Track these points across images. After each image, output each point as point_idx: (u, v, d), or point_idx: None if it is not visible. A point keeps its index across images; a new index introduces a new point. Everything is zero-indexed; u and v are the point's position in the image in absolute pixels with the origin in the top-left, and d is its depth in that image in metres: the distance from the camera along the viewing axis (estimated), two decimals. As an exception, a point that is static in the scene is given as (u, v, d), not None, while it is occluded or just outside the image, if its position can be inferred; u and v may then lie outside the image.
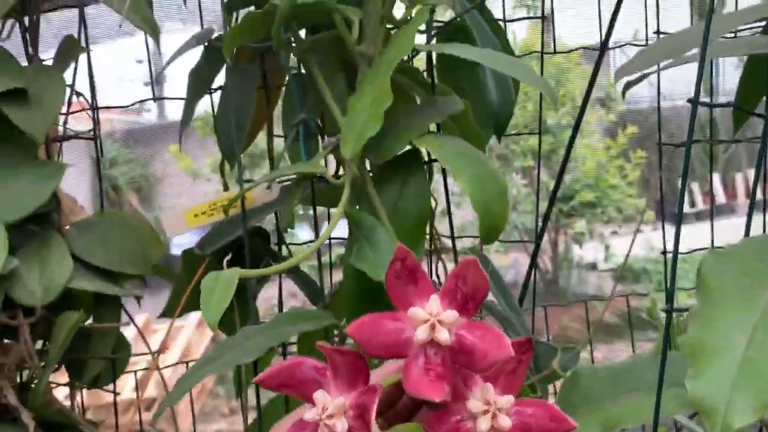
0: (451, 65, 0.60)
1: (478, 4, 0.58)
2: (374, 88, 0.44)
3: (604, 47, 0.73)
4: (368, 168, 0.49)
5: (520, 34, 4.13)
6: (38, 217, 0.51)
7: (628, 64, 0.39)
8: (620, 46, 0.79)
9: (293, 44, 0.52)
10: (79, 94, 0.58)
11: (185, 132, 0.64)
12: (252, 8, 0.61)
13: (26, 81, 0.49)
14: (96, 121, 0.58)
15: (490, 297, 0.64)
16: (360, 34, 0.47)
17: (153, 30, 0.48)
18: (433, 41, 0.59)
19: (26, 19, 0.54)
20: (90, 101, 0.58)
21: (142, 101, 0.66)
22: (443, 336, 0.25)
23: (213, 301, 0.33)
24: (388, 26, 0.49)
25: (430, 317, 0.25)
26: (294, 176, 0.50)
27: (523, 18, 0.78)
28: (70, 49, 0.52)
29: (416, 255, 0.46)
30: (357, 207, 0.47)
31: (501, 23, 0.63)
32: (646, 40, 0.74)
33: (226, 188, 0.60)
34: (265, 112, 0.66)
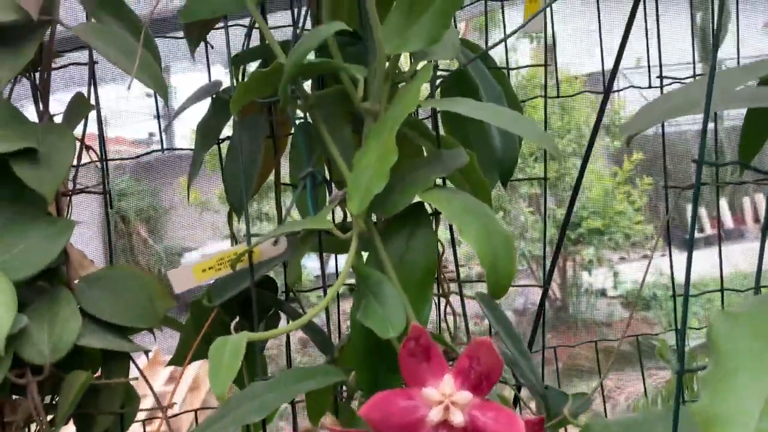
0: (455, 114, 0.60)
1: (482, 54, 0.58)
2: (380, 144, 0.44)
3: (611, 82, 0.73)
4: (374, 219, 0.49)
5: (524, 63, 4.16)
6: (47, 272, 0.52)
7: (632, 121, 0.39)
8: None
9: (299, 97, 0.53)
10: (88, 148, 0.59)
11: (176, 147, 0.65)
12: (258, 62, 0.62)
13: (37, 140, 0.49)
14: (105, 174, 0.59)
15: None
16: (365, 91, 0.48)
17: (161, 89, 0.49)
18: (437, 90, 0.60)
19: (37, 75, 0.55)
20: (99, 155, 0.59)
21: (150, 152, 0.66)
22: (457, 418, 0.25)
23: (221, 369, 0.33)
24: (393, 81, 0.49)
25: (444, 398, 0.25)
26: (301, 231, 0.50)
27: (527, 66, 0.79)
28: (80, 106, 0.53)
29: (424, 308, 0.46)
30: (364, 259, 0.47)
31: (504, 69, 0.64)
32: (648, 68, 0.74)
33: (234, 241, 0.61)
34: (272, 160, 0.67)
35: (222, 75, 0.68)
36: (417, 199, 0.48)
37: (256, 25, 0.60)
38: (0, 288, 0.45)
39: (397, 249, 0.47)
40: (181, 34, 0.60)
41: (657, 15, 0.78)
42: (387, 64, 0.47)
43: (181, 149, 0.66)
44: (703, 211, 5.41)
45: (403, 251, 0.47)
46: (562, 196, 4.24)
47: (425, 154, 0.57)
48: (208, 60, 0.65)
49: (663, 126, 0.49)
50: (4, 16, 0.47)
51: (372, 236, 0.47)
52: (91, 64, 0.54)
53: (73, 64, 0.57)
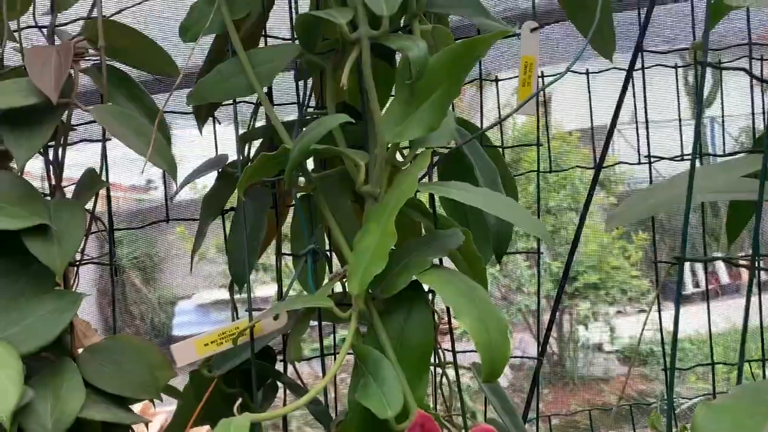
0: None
1: (477, 135, 0.61)
2: (379, 227, 0.46)
3: (603, 152, 0.76)
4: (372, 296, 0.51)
5: (519, 119, 4.25)
6: (53, 342, 0.53)
7: (617, 214, 0.41)
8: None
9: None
10: (97, 219, 0.61)
11: (189, 210, 0.66)
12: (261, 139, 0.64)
13: (49, 216, 0.51)
14: (112, 243, 0.61)
15: (496, 416, 0.65)
16: (367, 174, 0.50)
17: (172, 170, 0.52)
18: (434, 169, 0.62)
19: (50, 152, 0.58)
20: (107, 225, 0.61)
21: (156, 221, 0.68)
22: None
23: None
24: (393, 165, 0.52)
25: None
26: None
27: (520, 144, 0.81)
28: (92, 183, 0.55)
29: (421, 386, 0.47)
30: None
31: (499, 148, 0.66)
32: (636, 125, 0.77)
33: (235, 312, 0.62)
34: (274, 230, 0.68)
35: (223, 133, 0.71)
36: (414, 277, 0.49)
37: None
38: (8, 362, 0.46)
39: (395, 328, 0.48)
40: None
41: (644, 79, 0.81)
42: (387, 149, 0.49)
43: (186, 219, 0.68)
44: (699, 267, 5.42)
45: (401, 330, 0.48)
46: (558, 250, 4.26)
47: (423, 230, 0.59)
48: (215, 134, 0.68)
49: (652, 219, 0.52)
50: (24, 100, 0.50)
51: (371, 315, 0.49)
52: (104, 142, 0.57)
53: (85, 140, 0.59)
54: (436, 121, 0.47)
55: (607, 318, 4.41)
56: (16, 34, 0.58)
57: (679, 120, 0.83)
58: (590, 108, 0.74)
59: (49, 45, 0.56)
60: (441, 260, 0.51)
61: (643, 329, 0.59)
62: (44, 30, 0.59)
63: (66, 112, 0.53)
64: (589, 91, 0.75)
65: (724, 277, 5.38)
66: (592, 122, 0.74)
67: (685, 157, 0.73)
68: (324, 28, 0.54)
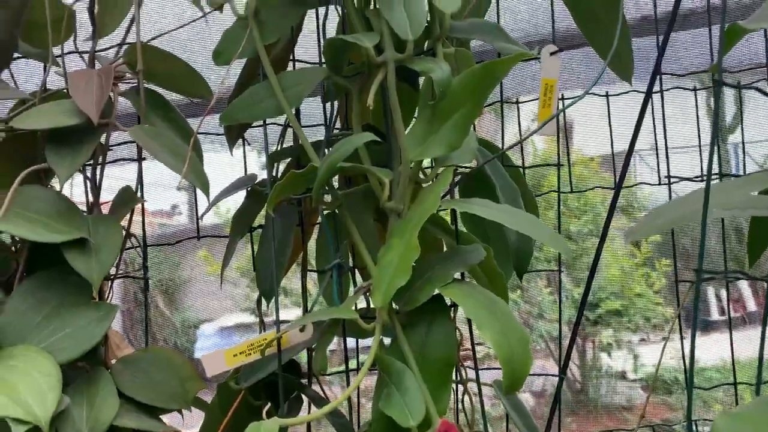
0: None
1: (498, 154, 0.63)
2: (402, 242, 0.48)
3: (622, 176, 0.77)
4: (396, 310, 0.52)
5: (539, 144, 4.26)
6: (88, 352, 0.55)
7: (635, 228, 0.42)
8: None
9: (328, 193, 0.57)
10: (131, 235, 0.63)
11: (214, 234, 0.69)
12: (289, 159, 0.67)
13: (88, 230, 0.54)
14: (145, 259, 0.63)
15: (516, 432, 0.65)
16: (390, 191, 0.52)
17: (205, 187, 0.54)
18: (456, 188, 0.64)
19: (89, 170, 0.60)
20: (141, 243, 0.63)
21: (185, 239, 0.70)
22: None
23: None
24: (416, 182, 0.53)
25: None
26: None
27: (541, 164, 0.82)
28: (128, 200, 0.58)
29: (443, 397, 0.48)
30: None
31: (521, 169, 0.68)
32: (656, 148, 0.78)
33: (262, 327, 0.64)
34: (300, 246, 0.70)
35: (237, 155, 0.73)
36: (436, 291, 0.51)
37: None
38: (47, 370, 0.48)
39: (418, 340, 0.50)
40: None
41: (662, 101, 0.82)
42: (410, 166, 0.51)
43: (216, 235, 0.70)
44: (724, 293, 5.33)
45: (424, 342, 0.50)
46: (579, 276, 4.22)
47: (445, 246, 0.60)
48: (245, 155, 0.71)
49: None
50: (67, 120, 0.53)
51: (394, 327, 0.50)
52: (140, 161, 0.59)
53: (121, 160, 0.62)
54: (458, 141, 0.49)
55: (631, 346, 4.35)
56: (59, 59, 0.62)
57: (699, 143, 0.84)
58: (610, 130, 0.75)
59: (91, 69, 0.59)
60: (463, 276, 0.53)
61: (661, 355, 0.59)
62: (85, 55, 0.62)
63: (105, 132, 0.56)
64: (609, 114, 0.77)
65: (751, 305, 5.29)
66: (612, 144, 0.76)
67: (705, 178, 0.73)
68: (350, 52, 0.56)
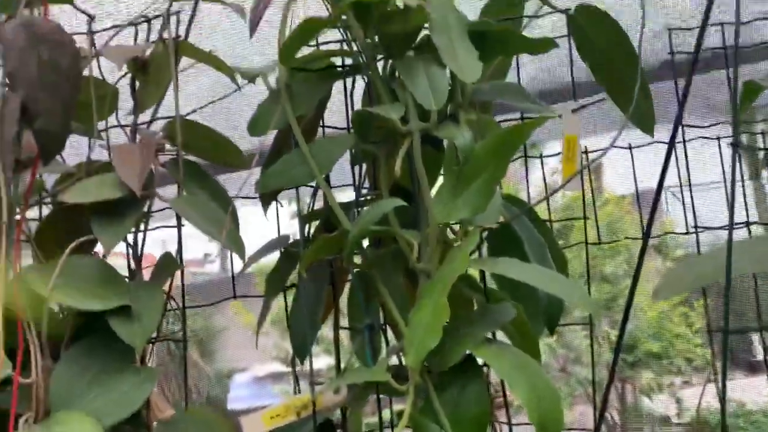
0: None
1: (524, 210, 0.64)
2: (432, 302, 0.49)
3: (650, 223, 0.77)
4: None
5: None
6: (130, 416, 0.57)
7: (663, 286, 0.43)
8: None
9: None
10: (171, 298, 0.65)
11: (241, 282, 0.71)
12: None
13: (130, 297, 0.56)
14: (184, 323, 0.65)
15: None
16: (419, 252, 0.53)
17: (241, 252, 0.56)
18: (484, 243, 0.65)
19: (131, 238, 0.63)
20: (179, 303, 0.66)
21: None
22: None
23: None
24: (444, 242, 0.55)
25: None
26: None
27: (569, 219, 0.83)
28: (168, 266, 0.60)
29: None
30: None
31: (547, 223, 0.69)
32: (681, 193, 0.78)
33: (297, 389, 0.65)
34: (331, 304, 0.72)
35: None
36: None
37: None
38: (93, 435, 0.50)
39: (450, 400, 0.50)
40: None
41: (685, 152, 0.82)
42: (438, 228, 0.53)
43: (252, 296, 0.72)
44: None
45: (457, 402, 0.50)
46: (616, 318, 4.14)
47: (475, 305, 0.61)
48: (278, 216, 0.73)
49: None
50: (112, 193, 0.56)
51: (427, 387, 0.51)
52: (179, 227, 0.62)
53: (162, 226, 0.65)
54: (483, 204, 0.51)
55: (673, 389, 4.22)
56: (102, 133, 0.65)
57: (725, 188, 0.84)
58: (635, 181, 0.76)
59: (133, 143, 0.63)
60: (494, 334, 0.54)
61: (700, 400, 0.58)
62: (127, 129, 0.66)
63: (147, 202, 0.59)
64: (633, 165, 0.78)
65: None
66: (637, 194, 0.77)
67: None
68: (377, 120, 0.59)
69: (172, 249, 0.65)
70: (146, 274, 0.63)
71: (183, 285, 0.65)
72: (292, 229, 0.74)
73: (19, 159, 0.45)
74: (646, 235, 0.72)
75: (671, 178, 0.81)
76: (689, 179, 0.75)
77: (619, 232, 3.95)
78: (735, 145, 0.40)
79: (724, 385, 0.40)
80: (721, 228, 0.73)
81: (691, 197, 0.76)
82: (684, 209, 0.77)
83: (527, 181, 0.74)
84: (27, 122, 0.43)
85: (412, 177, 0.61)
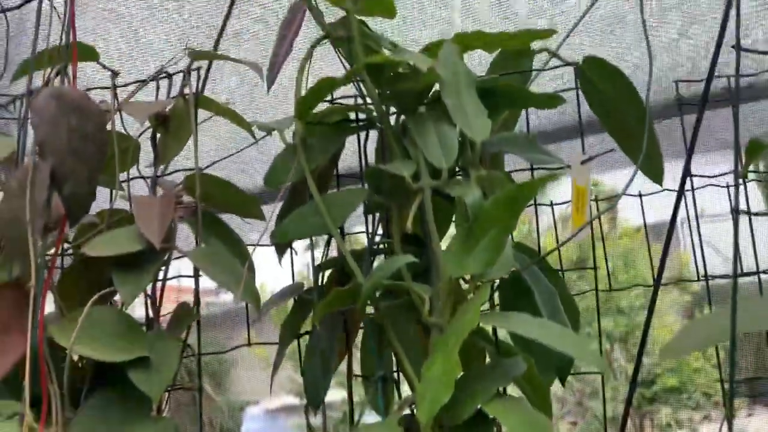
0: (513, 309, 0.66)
1: (535, 261, 0.65)
2: (444, 357, 0.50)
3: (670, 232, 0.77)
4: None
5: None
6: (147, 465, 0.57)
7: (672, 347, 0.44)
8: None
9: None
10: (187, 346, 0.67)
11: (265, 342, 0.72)
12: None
13: (148, 348, 0.57)
14: (200, 370, 0.66)
15: None
16: (431, 306, 0.54)
17: (257, 304, 0.57)
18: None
19: (148, 288, 0.65)
20: (196, 351, 0.67)
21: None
22: None
23: None
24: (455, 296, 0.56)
25: None
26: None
27: (580, 268, 0.83)
28: (185, 317, 0.61)
29: None
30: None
31: (559, 272, 0.70)
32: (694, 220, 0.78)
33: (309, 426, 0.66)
34: (344, 351, 0.73)
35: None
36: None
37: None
38: (111, 487, 0.51)
39: (462, 455, 0.51)
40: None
41: (694, 200, 0.83)
42: (449, 282, 0.54)
43: (264, 343, 0.73)
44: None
45: (469, 457, 0.51)
46: (633, 351, 4.09)
47: (487, 355, 0.62)
48: (292, 264, 0.74)
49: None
50: (132, 246, 0.58)
51: (439, 441, 0.51)
52: (197, 277, 0.64)
53: (179, 276, 0.66)
54: (493, 258, 0.52)
55: (692, 425, 4.14)
56: (124, 184, 0.67)
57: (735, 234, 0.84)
58: (645, 229, 0.77)
59: (153, 196, 0.65)
60: (505, 389, 0.54)
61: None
62: (148, 180, 0.68)
63: (167, 255, 0.61)
64: (644, 213, 0.79)
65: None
66: (648, 241, 0.77)
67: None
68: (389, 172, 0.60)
69: (183, 270, 0.66)
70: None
71: (199, 338, 0.67)
72: (304, 265, 0.75)
73: (48, 223, 0.47)
74: (657, 282, 0.73)
75: (688, 209, 0.81)
76: (698, 227, 0.76)
77: (635, 264, 3.92)
78: (736, 211, 0.41)
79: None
80: (726, 276, 0.73)
81: (701, 243, 0.77)
82: (693, 253, 0.77)
83: (537, 229, 0.75)
84: (56, 187, 0.46)
85: (424, 227, 0.63)
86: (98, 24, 0.89)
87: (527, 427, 0.47)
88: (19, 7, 0.59)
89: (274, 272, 0.77)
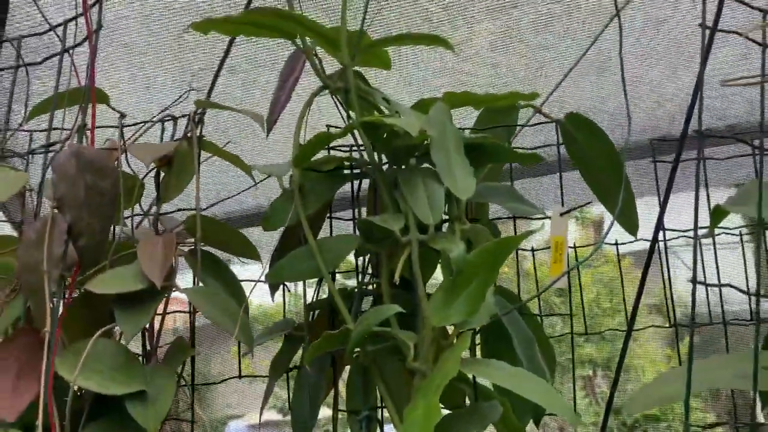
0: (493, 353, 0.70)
1: (515, 306, 0.69)
2: (426, 402, 0.53)
3: (643, 280, 0.80)
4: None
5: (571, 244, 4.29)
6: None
7: (633, 402, 0.47)
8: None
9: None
10: (180, 378, 0.69)
11: (253, 374, 0.74)
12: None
13: (146, 381, 0.60)
14: (192, 402, 0.69)
15: None
16: (416, 352, 0.58)
17: (249, 342, 0.61)
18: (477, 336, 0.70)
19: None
20: (188, 381, 0.70)
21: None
22: None
23: None
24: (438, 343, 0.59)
25: None
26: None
27: (554, 314, 0.86)
28: (181, 352, 0.65)
29: None
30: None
31: (539, 317, 0.74)
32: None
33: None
34: (330, 386, 0.76)
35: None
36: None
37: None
38: None
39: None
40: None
41: (667, 258, 0.88)
42: (433, 330, 0.58)
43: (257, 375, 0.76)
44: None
45: (446, 496, 0.54)
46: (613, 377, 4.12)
47: (467, 398, 0.65)
48: (284, 298, 0.78)
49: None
50: (134, 285, 0.61)
51: (419, 480, 0.55)
52: (192, 314, 0.67)
53: (175, 311, 0.69)
54: (475, 308, 0.55)
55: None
56: (127, 221, 0.71)
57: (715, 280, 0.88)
58: (621, 282, 0.81)
59: (155, 234, 0.68)
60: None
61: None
62: (150, 217, 0.72)
63: (167, 293, 0.64)
64: (619, 261, 0.83)
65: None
66: (623, 284, 0.81)
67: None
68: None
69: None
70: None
71: (193, 367, 0.70)
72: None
73: (63, 273, 0.50)
74: (629, 327, 0.77)
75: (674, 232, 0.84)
76: (671, 283, 0.80)
77: (620, 292, 3.97)
78: (693, 287, 0.44)
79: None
80: (708, 324, 0.78)
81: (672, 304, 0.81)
82: (665, 292, 0.81)
83: (518, 274, 0.79)
84: (72, 239, 0.49)
85: (411, 273, 0.66)
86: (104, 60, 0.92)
87: (500, 471, 0.50)
88: (41, 62, 0.62)
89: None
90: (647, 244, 0.88)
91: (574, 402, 0.84)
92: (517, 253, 0.79)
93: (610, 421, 4.02)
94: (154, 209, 0.71)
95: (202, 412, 5.60)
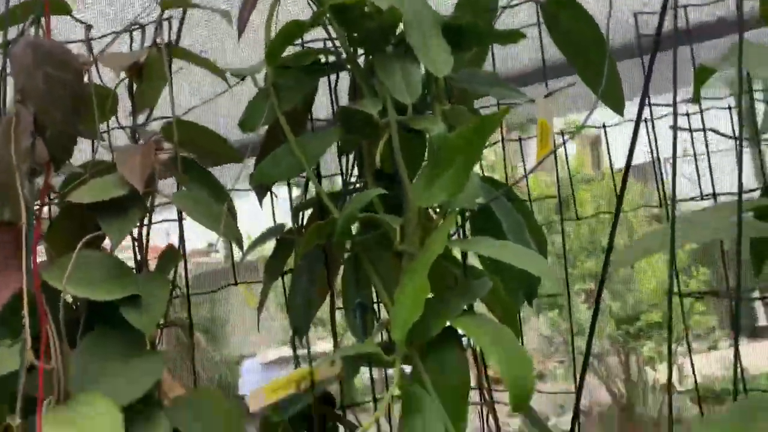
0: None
1: (502, 191, 0.68)
2: (414, 281, 0.54)
3: (629, 160, 0.80)
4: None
5: (570, 155, 4.28)
6: (145, 395, 0.61)
7: (625, 254, 0.48)
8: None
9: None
10: (176, 287, 0.70)
11: (253, 274, 0.76)
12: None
13: (139, 288, 0.61)
14: (189, 309, 0.70)
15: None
16: (402, 235, 0.58)
17: (239, 242, 0.61)
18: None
19: (136, 232, 0.68)
20: (183, 290, 0.70)
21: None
22: None
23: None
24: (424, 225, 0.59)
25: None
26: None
27: (544, 197, 0.87)
28: (172, 257, 0.65)
29: (461, 420, 0.54)
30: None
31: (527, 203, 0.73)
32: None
33: (297, 361, 0.70)
34: (326, 286, 0.77)
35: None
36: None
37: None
38: (111, 413, 0.55)
39: (434, 368, 0.55)
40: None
41: (653, 128, 0.87)
42: (418, 213, 0.57)
43: (252, 281, 0.77)
44: (769, 298, 5.21)
45: (440, 370, 0.55)
46: (616, 288, 4.20)
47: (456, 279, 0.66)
48: (273, 205, 0.77)
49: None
50: (116, 191, 0.60)
51: (413, 357, 0.56)
52: (180, 221, 0.66)
53: (164, 220, 0.69)
54: (458, 188, 0.55)
55: (675, 357, 4.28)
56: (105, 135, 0.70)
57: (702, 158, 0.88)
58: (609, 159, 0.80)
59: (134, 144, 0.67)
60: (471, 307, 0.58)
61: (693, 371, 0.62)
62: (128, 130, 0.70)
63: (150, 198, 0.63)
64: (608, 143, 0.82)
65: (798, 308, 5.15)
66: (613, 173, 0.81)
67: (705, 198, 0.78)
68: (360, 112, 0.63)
69: (175, 239, 0.70)
70: (152, 264, 0.68)
71: (186, 273, 0.70)
72: (286, 217, 0.79)
73: (34, 167, 0.49)
74: (617, 210, 0.77)
75: (672, 149, 0.84)
76: (658, 158, 0.79)
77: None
78: (674, 128, 0.44)
79: (737, 349, 0.45)
80: (690, 199, 0.77)
81: (673, 172, 0.80)
82: (655, 173, 0.81)
83: (504, 161, 0.78)
84: (39, 133, 0.48)
85: (394, 160, 0.66)
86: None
87: (490, 337, 0.51)
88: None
89: (259, 225, 0.80)
90: (644, 159, 0.88)
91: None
92: (503, 142, 0.78)
93: (614, 332, 4.12)
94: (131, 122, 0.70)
95: (215, 352, 5.73)
